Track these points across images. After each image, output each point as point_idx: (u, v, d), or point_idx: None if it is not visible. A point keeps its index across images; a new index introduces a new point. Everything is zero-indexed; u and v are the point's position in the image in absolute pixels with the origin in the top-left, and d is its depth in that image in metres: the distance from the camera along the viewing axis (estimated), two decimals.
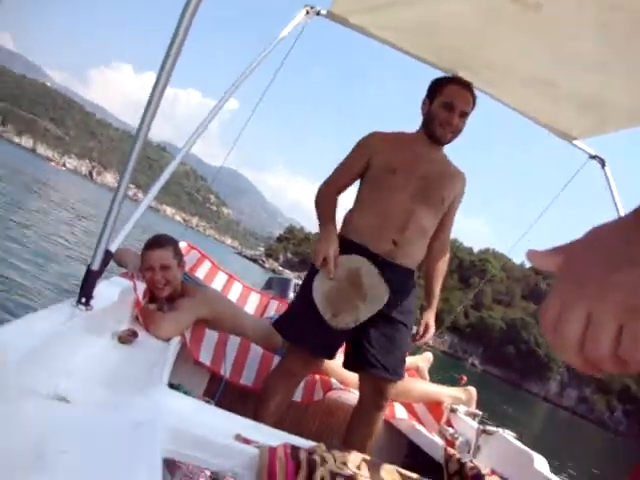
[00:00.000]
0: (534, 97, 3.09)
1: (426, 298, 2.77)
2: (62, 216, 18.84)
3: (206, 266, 3.87)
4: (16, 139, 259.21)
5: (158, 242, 2.77)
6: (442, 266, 2.78)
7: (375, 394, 2.55)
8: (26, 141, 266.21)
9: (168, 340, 2.37)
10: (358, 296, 2.41)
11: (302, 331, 2.50)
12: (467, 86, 2.51)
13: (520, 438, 2.71)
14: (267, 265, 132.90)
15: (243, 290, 3.99)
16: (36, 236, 11.57)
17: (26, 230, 11.86)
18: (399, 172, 2.48)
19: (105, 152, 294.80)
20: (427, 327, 2.67)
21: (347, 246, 2.48)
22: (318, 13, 3.11)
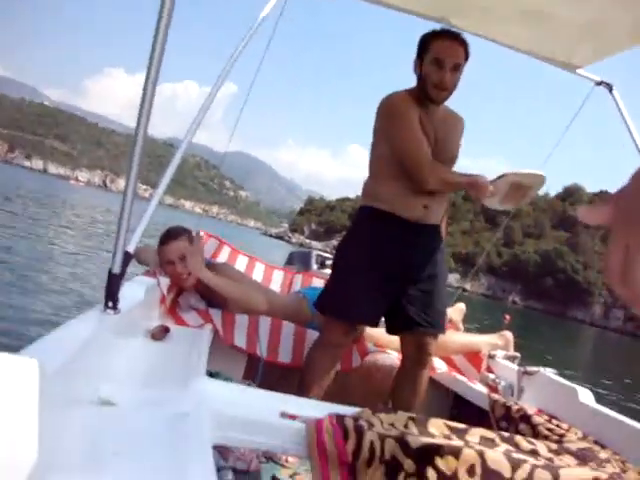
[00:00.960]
0: (530, 32, 3.00)
1: None
2: (82, 227, 19.03)
3: (226, 252, 3.87)
4: (26, 163, 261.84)
5: (172, 234, 2.77)
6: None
7: (419, 351, 2.55)
8: (36, 163, 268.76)
9: (201, 327, 2.39)
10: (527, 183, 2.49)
11: (347, 304, 2.48)
12: (455, 38, 2.42)
13: (562, 374, 2.70)
14: (294, 240, 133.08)
15: (266, 269, 3.98)
16: (60, 251, 11.74)
17: (50, 246, 12.07)
18: None
19: (114, 159, 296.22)
20: None
21: (377, 215, 2.48)
22: None
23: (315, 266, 9.99)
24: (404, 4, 3.10)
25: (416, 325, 2.50)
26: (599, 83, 3.34)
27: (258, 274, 3.86)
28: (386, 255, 2.46)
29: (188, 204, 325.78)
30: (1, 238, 11.11)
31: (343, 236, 2.69)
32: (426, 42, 2.44)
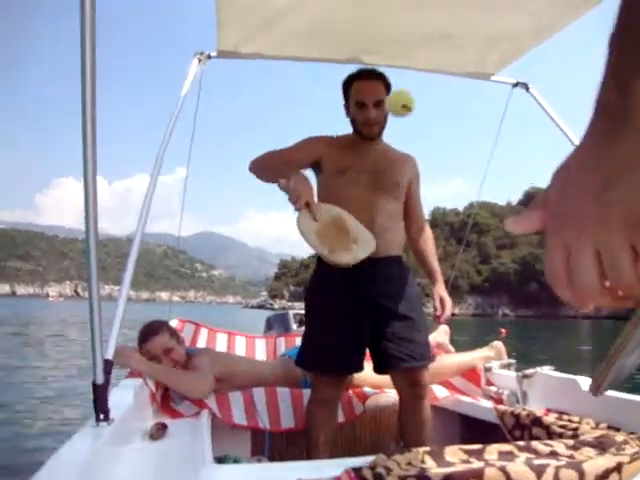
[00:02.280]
0: (438, 52, 3.12)
1: (429, 276, 2.80)
2: (59, 345, 18.62)
3: (204, 334, 3.85)
4: None
5: (151, 330, 2.75)
6: (429, 241, 2.82)
7: (412, 386, 2.53)
8: (2, 288, 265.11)
9: (196, 416, 2.35)
10: (349, 239, 2.39)
11: (326, 358, 2.47)
12: (372, 76, 2.56)
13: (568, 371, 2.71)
14: (276, 306, 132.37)
15: (247, 341, 3.96)
16: (45, 374, 11.46)
17: (32, 372, 11.79)
18: (349, 171, 2.53)
19: (81, 266, 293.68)
20: (442, 300, 2.69)
21: (326, 263, 2.44)
22: (209, 57, 3.12)
23: (295, 326, 9.88)
24: (317, 55, 3.20)
25: (401, 362, 2.48)
26: (515, 85, 3.45)
27: (240, 348, 3.83)
28: (349, 297, 2.47)
29: (164, 295, 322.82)
30: None
31: (305, 290, 2.71)
32: (347, 87, 2.59)
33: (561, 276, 0.50)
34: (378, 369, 2.61)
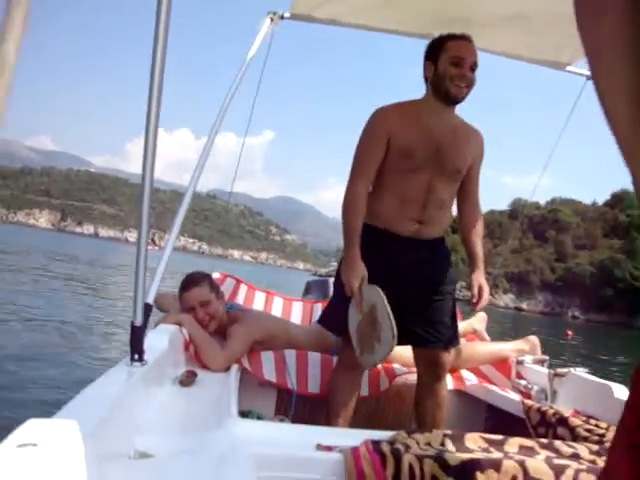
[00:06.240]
0: (516, 36, 3.05)
1: (470, 261, 2.69)
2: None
3: (243, 290, 3.92)
4: (78, 229, 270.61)
5: (192, 281, 2.80)
6: (478, 227, 2.70)
7: (431, 366, 2.53)
8: (87, 228, 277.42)
9: (227, 370, 2.40)
10: (375, 336, 2.31)
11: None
12: (470, 40, 2.44)
13: (594, 372, 2.63)
14: None
15: (284, 302, 4.01)
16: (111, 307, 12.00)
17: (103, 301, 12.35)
18: (417, 154, 2.42)
19: (160, 216, 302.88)
20: (480, 288, 2.54)
21: (371, 232, 2.47)
22: (282, 17, 3.11)
23: None
24: (389, 26, 3.16)
25: (423, 341, 2.49)
26: (590, 77, 3.29)
27: (277, 308, 3.90)
28: (382, 272, 2.43)
29: (236, 253, 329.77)
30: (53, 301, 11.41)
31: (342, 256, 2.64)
32: (441, 43, 2.44)
33: None
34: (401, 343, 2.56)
